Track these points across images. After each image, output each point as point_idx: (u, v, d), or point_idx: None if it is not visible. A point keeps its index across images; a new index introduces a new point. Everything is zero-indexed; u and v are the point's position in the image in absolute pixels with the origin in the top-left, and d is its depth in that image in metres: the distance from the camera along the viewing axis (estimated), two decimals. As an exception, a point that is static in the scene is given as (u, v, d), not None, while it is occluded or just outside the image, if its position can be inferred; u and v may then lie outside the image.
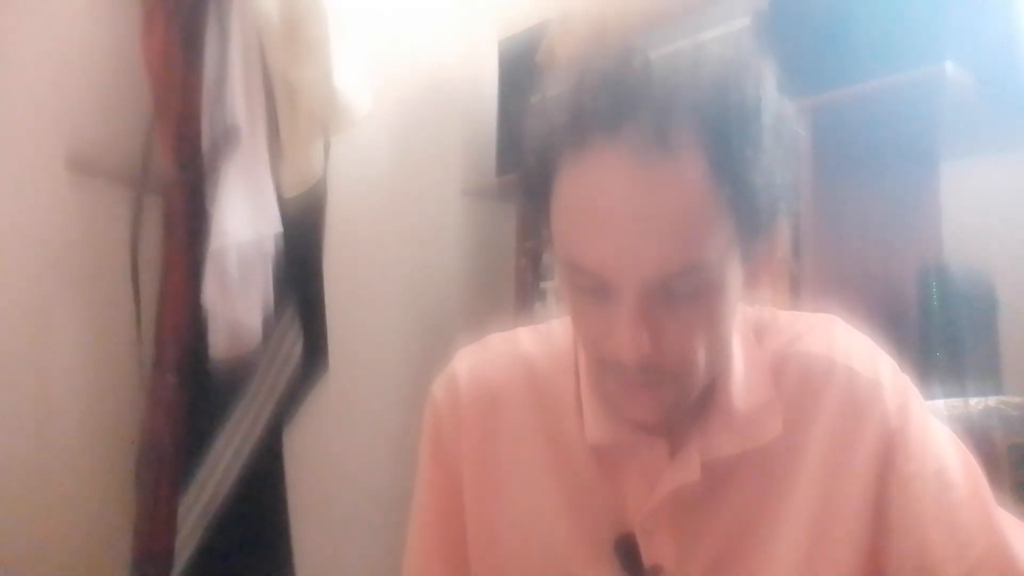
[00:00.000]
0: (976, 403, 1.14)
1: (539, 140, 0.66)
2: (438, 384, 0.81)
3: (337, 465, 1.88)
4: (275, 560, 1.68)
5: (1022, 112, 1.38)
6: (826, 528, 0.69)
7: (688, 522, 0.70)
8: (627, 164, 0.59)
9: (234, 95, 1.59)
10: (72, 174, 1.57)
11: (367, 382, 1.94)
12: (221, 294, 1.54)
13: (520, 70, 2.02)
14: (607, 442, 0.71)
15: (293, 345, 1.70)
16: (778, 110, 0.63)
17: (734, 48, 0.65)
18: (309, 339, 1.73)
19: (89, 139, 1.59)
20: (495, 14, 2.18)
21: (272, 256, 1.62)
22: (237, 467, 1.59)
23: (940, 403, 1.13)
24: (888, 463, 0.69)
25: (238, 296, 1.56)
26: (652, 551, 0.70)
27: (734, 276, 0.63)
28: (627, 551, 0.71)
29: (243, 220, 1.56)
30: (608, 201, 0.60)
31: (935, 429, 0.73)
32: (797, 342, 0.73)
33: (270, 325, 1.63)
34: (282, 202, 1.66)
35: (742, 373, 0.71)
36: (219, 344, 1.55)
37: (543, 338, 0.80)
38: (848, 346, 0.73)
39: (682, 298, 0.61)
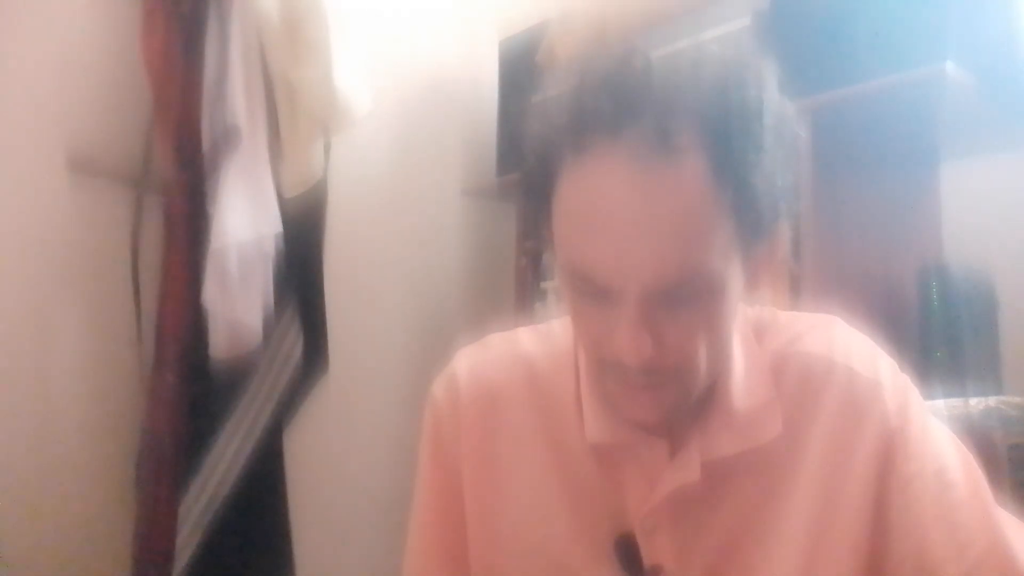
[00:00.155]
0: (976, 403, 1.14)
1: (540, 141, 0.65)
2: (438, 384, 0.81)
3: (337, 465, 1.88)
4: (275, 560, 1.68)
5: (1022, 112, 1.38)
6: (826, 528, 0.69)
7: (688, 522, 0.70)
8: (629, 167, 0.59)
9: (234, 95, 1.59)
10: (72, 174, 1.57)
11: (367, 382, 1.94)
12: (221, 294, 1.54)
13: (520, 70, 2.02)
14: (607, 442, 0.71)
15: (293, 345, 1.70)
16: (779, 111, 0.62)
17: (735, 49, 0.65)
18: (309, 339, 1.73)
19: (89, 139, 1.59)
20: (495, 14, 2.18)
21: (272, 256, 1.62)
22: (237, 467, 1.59)
23: (940, 403, 1.13)
24: (888, 463, 0.69)
25: (238, 296, 1.56)
26: (652, 551, 0.70)
27: (735, 278, 0.63)
28: (627, 551, 0.71)
29: (243, 220, 1.57)
30: (610, 205, 0.59)
31: (935, 429, 0.73)
32: (797, 342, 0.73)
33: (270, 325, 1.63)
34: (282, 202, 1.66)
35: (742, 373, 0.71)
36: (219, 344, 1.55)
37: (543, 338, 0.80)
38: (848, 346, 0.73)
39: (684, 301, 0.61)
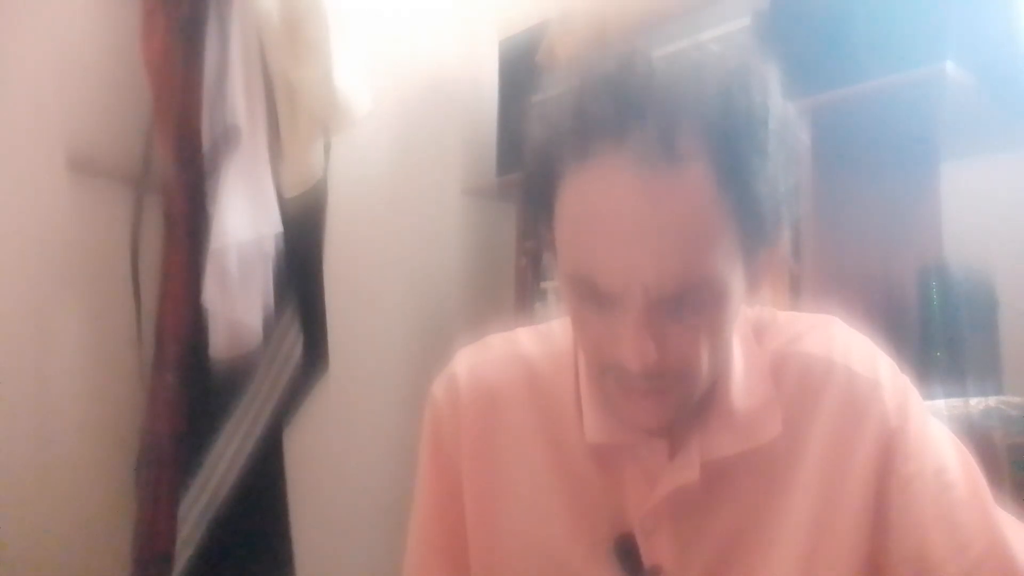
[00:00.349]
0: (976, 403, 1.14)
1: (541, 144, 0.65)
2: (438, 384, 0.81)
3: (337, 465, 1.88)
4: (275, 560, 1.68)
5: (1022, 112, 1.38)
6: (826, 528, 0.69)
7: (688, 522, 0.70)
8: (633, 174, 0.58)
9: (234, 95, 1.59)
10: (72, 174, 1.57)
11: (367, 382, 1.94)
12: (221, 294, 1.54)
13: (520, 70, 2.02)
14: (607, 442, 0.71)
15: (293, 345, 1.70)
16: (783, 116, 0.62)
17: (738, 51, 0.64)
18: (309, 339, 1.73)
19: (89, 139, 1.59)
20: (495, 14, 2.18)
21: (272, 256, 1.62)
22: (237, 467, 1.59)
23: (940, 403, 1.13)
24: (887, 463, 0.69)
25: (238, 296, 1.56)
26: (651, 551, 0.70)
27: (737, 282, 0.63)
28: (626, 551, 0.71)
29: (243, 220, 1.57)
30: (615, 212, 0.59)
31: (934, 429, 0.73)
32: (796, 342, 0.73)
33: (270, 325, 1.63)
34: (282, 202, 1.66)
35: (742, 373, 0.71)
36: (219, 344, 1.55)
37: (543, 338, 0.80)
38: (847, 346, 0.73)
39: (687, 306, 0.61)
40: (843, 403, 0.70)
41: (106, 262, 1.60)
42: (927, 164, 1.62)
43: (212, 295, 1.53)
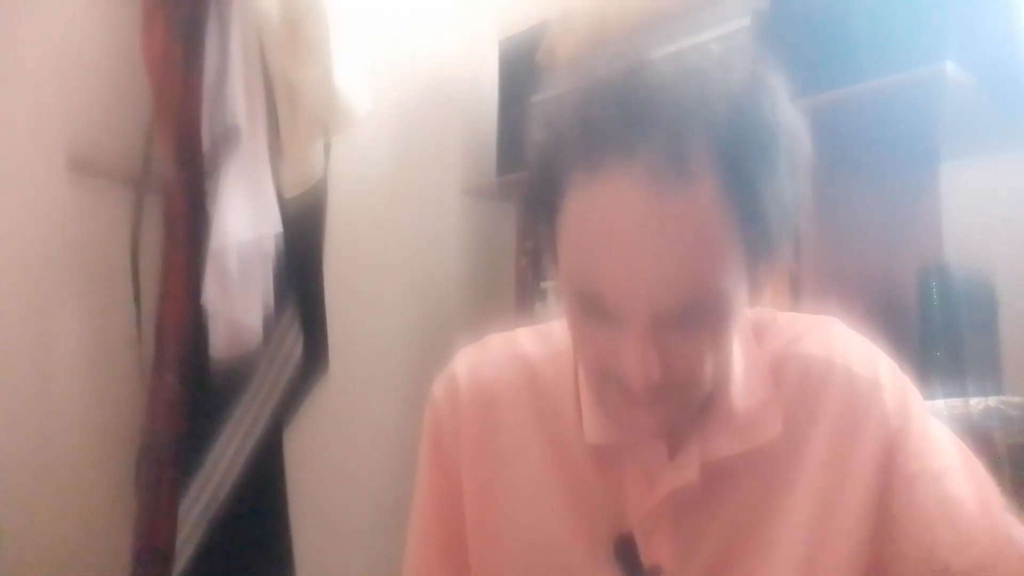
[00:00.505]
0: (976, 403, 1.14)
1: (546, 150, 0.64)
2: (438, 384, 0.82)
3: (337, 465, 1.87)
4: (275, 560, 1.68)
5: (1022, 112, 1.38)
6: (827, 529, 0.69)
7: (687, 522, 0.70)
8: (642, 189, 0.57)
9: (234, 95, 1.59)
10: (72, 174, 1.57)
11: (367, 382, 1.94)
12: (221, 294, 1.54)
13: (520, 70, 2.02)
14: (606, 443, 0.71)
15: (293, 345, 1.70)
16: (792, 128, 0.62)
17: (748, 61, 0.63)
18: (309, 339, 1.73)
19: (89, 139, 1.59)
20: (495, 14, 2.18)
21: (272, 256, 1.62)
22: (237, 467, 1.60)
23: (940, 403, 1.13)
24: (890, 463, 0.69)
25: (238, 296, 1.56)
26: (651, 551, 0.70)
27: (742, 293, 0.63)
28: (626, 551, 0.71)
29: (243, 220, 1.57)
30: (622, 228, 0.58)
31: (936, 429, 0.73)
32: (796, 343, 0.73)
33: (270, 325, 1.63)
34: (282, 202, 1.66)
35: (742, 374, 0.71)
36: (219, 344, 1.55)
37: (543, 339, 0.80)
38: (847, 347, 0.73)
39: (692, 321, 0.61)
40: (843, 404, 0.70)
41: (106, 262, 1.60)
42: (927, 164, 1.62)
43: (212, 295, 1.53)
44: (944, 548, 0.67)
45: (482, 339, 0.83)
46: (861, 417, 0.70)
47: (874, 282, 1.49)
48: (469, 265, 2.20)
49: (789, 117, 0.62)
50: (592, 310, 0.62)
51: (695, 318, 0.60)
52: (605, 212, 0.59)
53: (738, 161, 0.58)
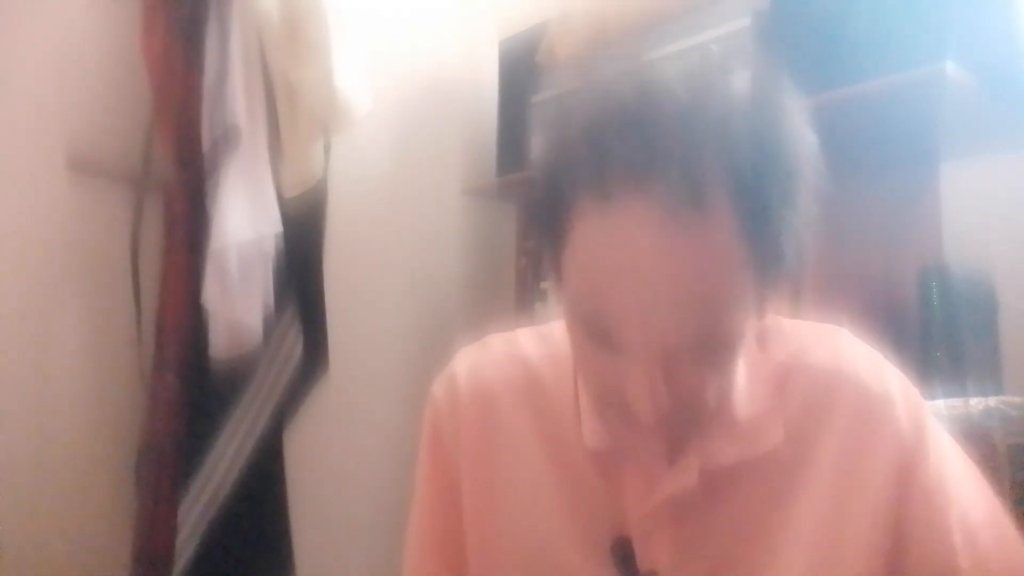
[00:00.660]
0: (976, 403, 1.14)
1: (554, 173, 0.62)
2: (438, 384, 0.81)
3: (337, 465, 1.87)
4: (275, 560, 1.68)
5: (1022, 112, 1.38)
6: (832, 541, 0.68)
7: (686, 528, 0.70)
8: (656, 222, 0.55)
9: (234, 95, 1.59)
10: (72, 174, 1.57)
11: (367, 382, 1.94)
12: (221, 294, 1.54)
13: (520, 70, 2.02)
14: (605, 447, 0.71)
15: (293, 345, 1.70)
16: (810, 155, 0.60)
17: (768, 87, 0.60)
18: (309, 339, 1.73)
19: (89, 139, 1.59)
20: (495, 14, 2.18)
21: (272, 256, 1.62)
22: (237, 467, 1.60)
23: (940, 403, 1.13)
24: (906, 480, 0.68)
25: (238, 296, 1.56)
26: (648, 555, 0.70)
27: (751, 319, 0.62)
28: (624, 554, 0.70)
29: (243, 220, 1.57)
30: (635, 262, 0.56)
31: (948, 445, 0.72)
32: (804, 353, 0.73)
33: (270, 325, 1.63)
34: (282, 202, 1.66)
35: (744, 382, 0.70)
36: (219, 344, 1.55)
37: (543, 340, 0.80)
38: (856, 358, 0.72)
39: (701, 352, 0.60)
40: (852, 416, 0.70)
41: (106, 262, 1.60)
42: (927, 164, 1.62)
43: (212, 295, 1.53)
44: (961, 567, 0.66)
45: (482, 339, 0.83)
46: (871, 431, 0.69)
47: (874, 282, 1.49)
48: (469, 265, 2.20)
49: (807, 144, 0.60)
50: (598, 337, 0.61)
51: (705, 348, 0.59)
52: (617, 244, 0.57)
53: (756, 193, 0.56)
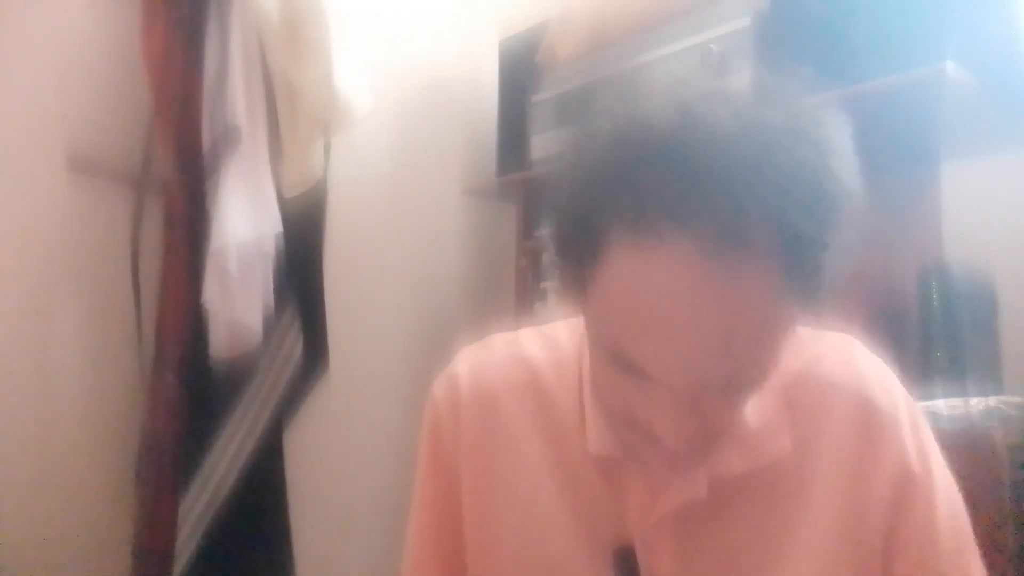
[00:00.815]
0: (976, 403, 1.14)
1: (585, 201, 0.58)
2: (439, 384, 0.80)
3: (337, 465, 1.88)
4: (275, 560, 1.68)
5: (1022, 112, 1.38)
6: (837, 556, 0.68)
7: (690, 537, 0.69)
8: (697, 265, 0.53)
9: (234, 95, 1.59)
10: (72, 174, 1.57)
11: (367, 382, 1.94)
12: (221, 294, 1.54)
13: (520, 70, 2.02)
14: (610, 453, 0.70)
15: (293, 345, 1.70)
16: (855, 192, 0.57)
17: (817, 124, 0.57)
18: (309, 339, 1.73)
19: (89, 139, 1.59)
20: (495, 14, 2.18)
21: (272, 256, 1.62)
22: (237, 467, 1.60)
23: (940, 403, 1.13)
24: (905, 504, 0.68)
25: (238, 296, 1.56)
26: (651, 565, 0.69)
27: (784, 348, 0.61)
28: (626, 563, 0.69)
29: (243, 220, 1.57)
30: (675, 304, 0.54)
31: (943, 467, 0.72)
32: (815, 364, 0.72)
33: (270, 325, 1.63)
34: (282, 202, 1.66)
35: None
36: (219, 344, 1.55)
37: (547, 342, 0.79)
38: (867, 374, 0.72)
39: (734, 387, 0.59)
40: (859, 433, 0.69)
41: (106, 262, 1.60)
42: (927, 164, 1.61)
43: (212, 295, 1.53)
44: None
45: (484, 339, 0.82)
46: (878, 449, 0.69)
47: (874, 282, 1.49)
48: (469, 265, 2.20)
49: (853, 180, 0.57)
50: (627, 369, 0.59)
51: (740, 384, 0.59)
52: (655, 283, 0.54)
53: (801, 233, 0.53)
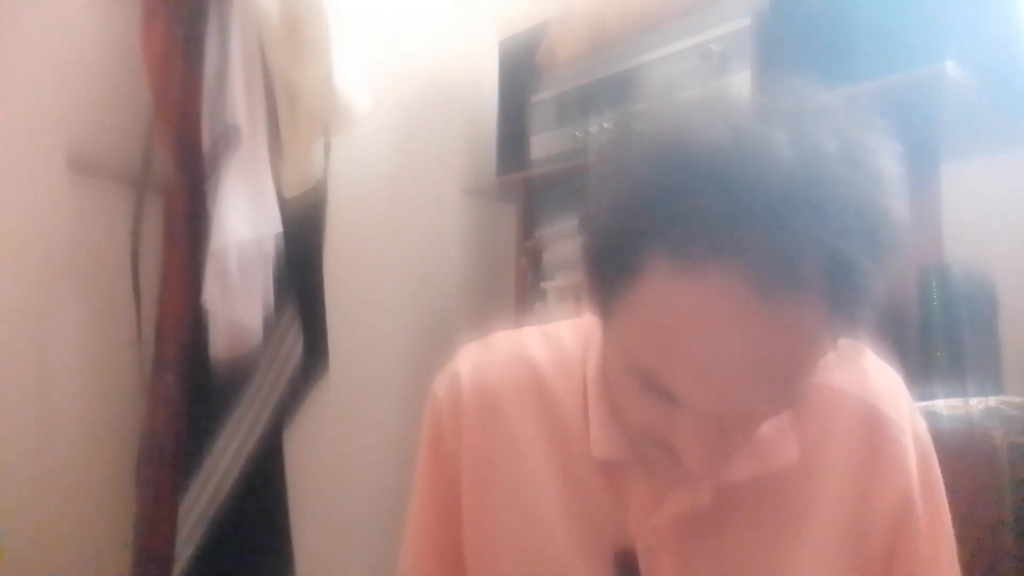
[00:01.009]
0: (976, 403, 1.14)
1: (624, 214, 0.56)
2: (440, 382, 0.80)
3: (337, 465, 1.88)
4: (275, 560, 1.68)
5: (1022, 112, 1.38)
6: (840, 567, 0.68)
7: (693, 543, 0.69)
8: (741, 295, 0.50)
9: (234, 95, 1.59)
10: (72, 174, 1.57)
11: (367, 382, 1.94)
12: (221, 294, 1.54)
13: (520, 70, 2.02)
14: (614, 457, 0.70)
15: (293, 345, 1.70)
16: (903, 222, 0.55)
17: (874, 154, 0.55)
18: (309, 339, 1.73)
19: (89, 139, 1.59)
20: (495, 14, 2.18)
21: (272, 256, 1.62)
22: (237, 467, 1.60)
23: (940, 403, 1.13)
24: (906, 523, 0.68)
25: (238, 296, 1.56)
26: (652, 569, 0.69)
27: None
28: (627, 567, 0.69)
29: (243, 220, 1.57)
30: (716, 334, 0.52)
31: (941, 489, 0.72)
32: (825, 373, 0.72)
33: (270, 325, 1.63)
34: (282, 202, 1.66)
35: None
36: (219, 344, 1.55)
37: (551, 342, 0.78)
38: (877, 383, 0.71)
39: (766, 415, 0.59)
40: (866, 443, 0.69)
41: (106, 262, 1.60)
42: (927, 164, 1.61)
43: (212, 295, 1.53)
44: None
45: (486, 338, 0.82)
46: (884, 461, 0.69)
47: (874, 282, 1.49)
48: (469, 265, 2.20)
49: (903, 212, 0.55)
50: (654, 390, 0.58)
51: (771, 412, 0.59)
52: (696, 314, 0.52)
53: (852, 272, 0.52)
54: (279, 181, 1.67)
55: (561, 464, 0.73)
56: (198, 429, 1.56)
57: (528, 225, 2.04)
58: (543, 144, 1.92)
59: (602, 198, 0.58)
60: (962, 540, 0.72)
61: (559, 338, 0.78)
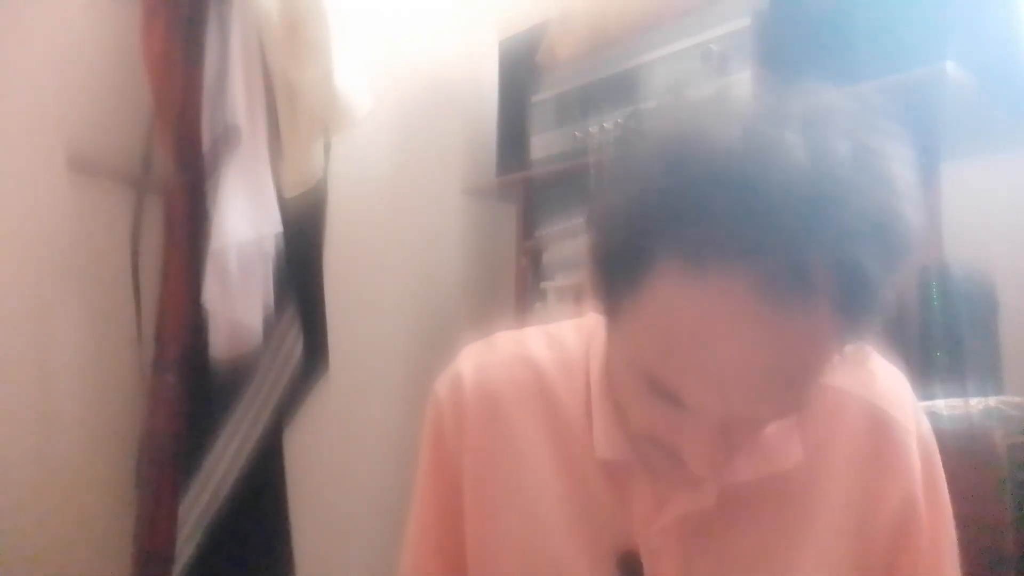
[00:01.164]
0: (976, 403, 1.14)
1: (634, 215, 0.55)
2: (441, 381, 0.79)
3: (337, 465, 1.87)
4: (275, 560, 1.68)
5: (1022, 112, 1.38)
6: (842, 568, 0.68)
7: (697, 544, 0.68)
8: (752, 300, 0.50)
9: (234, 95, 1.59)
10: (72, 174, 1.57)
11: (367, 382, 1.94)
12: (221, 294, 1.54)
13: (520, 70, 2.02)
14: (617, 458, 0.69)
15: (293, 345, 1.70)
16: (916, 228, 0.54)
17: (891, 165, 0.54)
18: (309, 339, 1.73)
19: (89, 139, 1.59)
20: (495, 14, 2.18)
21: (272, 256, 1.62)
22: (237, 467, 1.60)
23: (940, 403, 1.13)
24: (909, 524, 0.68)
25: (238, 296, 1.56)
26: (656, 570, 0.68)
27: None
28: (630, 568, 0.69)
29: (243, 220, 1.57)
30: (725, 339, 0.52)
31: (944, 490, 0.72)
32: (831, 373, 0.72)
33: (270, 325, 1.63)
34: (282, 202, 1.66)
35: None
36: (219, 344, 1.55)
37: (553, 342, 0.78)
38: (883, 385, 0.71)
39: (774, 419, 0.59)
40: (871, 444, 0.69)
41: (106, 262, 1.60)
42: (927, 164, 1.61)
43: (212, 295, 1.53)
44: None
45: (489, 338, 0.81)
46: (888, 462, 0.69)
47: (874, 282, 1.49)
48: (469, 265, 2.20)
49: (917, 218, 0.54)
50: (660, 393, 0.58)
51: (779, 417, 0.59)
52: (706, 317, 0.52)
53: (864, 278, 0.51)
54: (279, 181, 1.67)
55: (564, 465, 0.73)
56: (198, 429, 1.56)
57: (528, 225, 2.04)
58: (543, 144, 1.92)
59: (610, 198, 0.58)
60: (962, 540, 0.72)
61: (561, 338, 0.78)
